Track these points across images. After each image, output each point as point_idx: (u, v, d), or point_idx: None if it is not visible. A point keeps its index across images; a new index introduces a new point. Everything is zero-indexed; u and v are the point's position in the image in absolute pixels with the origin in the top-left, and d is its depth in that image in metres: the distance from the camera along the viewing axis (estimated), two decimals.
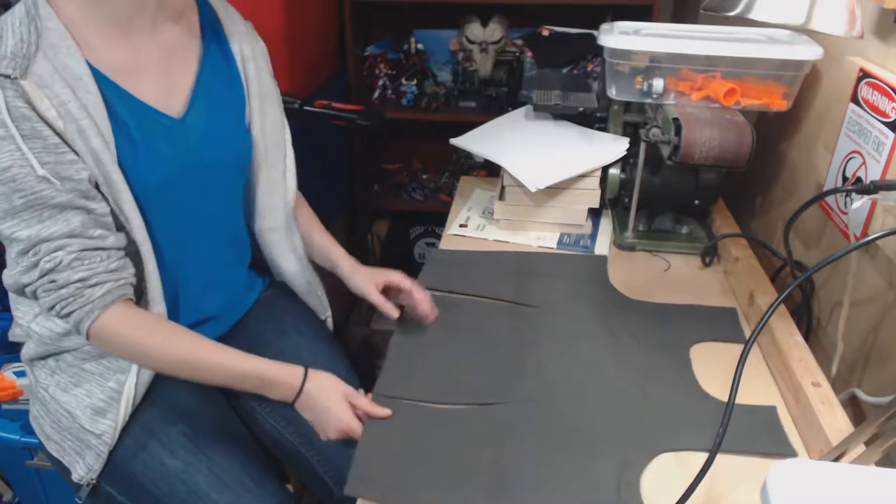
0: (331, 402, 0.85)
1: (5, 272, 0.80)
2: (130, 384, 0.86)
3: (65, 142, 0.75)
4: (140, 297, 0.86)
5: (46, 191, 0.74)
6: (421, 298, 0.98)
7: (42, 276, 0.77)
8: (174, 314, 0.91)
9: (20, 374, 1.24)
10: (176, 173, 0.85)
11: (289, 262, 1.07)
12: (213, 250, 0.98)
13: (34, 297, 0.79)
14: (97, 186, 0.79)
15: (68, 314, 0.78)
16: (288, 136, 1.05)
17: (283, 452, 0.98)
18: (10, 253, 0.78)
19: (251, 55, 0.97)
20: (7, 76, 0.71)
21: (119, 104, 0.81)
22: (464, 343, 0.93)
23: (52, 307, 0.78)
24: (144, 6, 0.82)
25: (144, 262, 0.85)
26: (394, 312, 0.97)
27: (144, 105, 0.84)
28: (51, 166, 0.74)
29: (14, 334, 1.30)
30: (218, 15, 0.95)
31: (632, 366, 0.89)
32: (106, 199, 0.80)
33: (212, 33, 0.94)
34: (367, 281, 1.01)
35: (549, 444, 0.76)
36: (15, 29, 0.74)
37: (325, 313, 1.15)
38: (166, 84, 0.87)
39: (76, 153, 0.76)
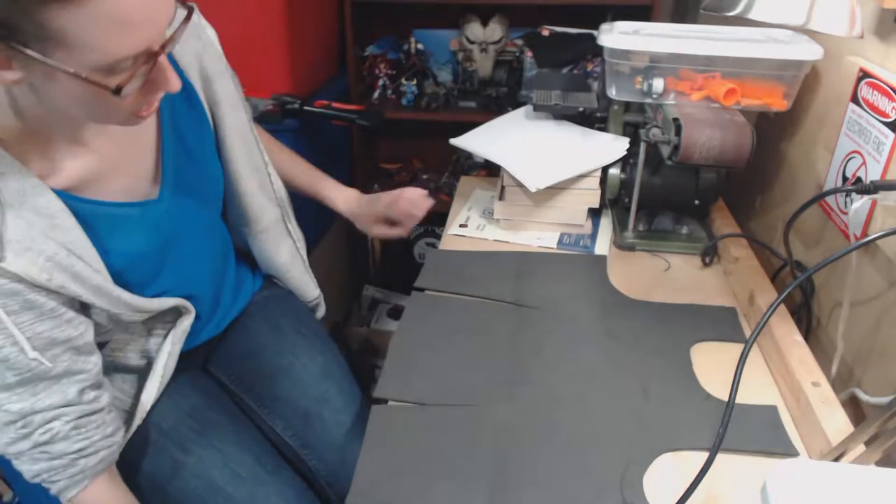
0: None
1: None
2: (144, 407, 0.86)
3: (64, 299, 0.70)
4: (175, 324, 0.89)
5: (41, 367, 0.69)
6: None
7: (34, 447, 0.72)
8: (196, 324, 0.93)
9: None
10: (158, 246, 0.82)
11: (282, 255, 1.06)
12: (214, 266, 0.98)
13: (15, 458, 0.74)
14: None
15: (54, 482, 0.74)
16: (251, 122, 0.97)
17: (282, 454, 0.97)
18: None
19: (211, 72, 0.87)
20: None
21: (94, 219, 0.74)
22: (464, 344, 0.93)
23: (37, 475, 0.74)
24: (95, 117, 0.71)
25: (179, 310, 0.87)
26: (402, 232, 1.16)
27: (112, 205, 0.77)
28: (47, 333, 0.69)
29: None
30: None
31: (632, 366, 0.89)
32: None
33: None
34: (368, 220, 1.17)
35: (550, 445, 0.76)
36: None
37: (315, 293, 1.15)
38: (131, 171, 0.80)
39: (77, 305, 0.73)
